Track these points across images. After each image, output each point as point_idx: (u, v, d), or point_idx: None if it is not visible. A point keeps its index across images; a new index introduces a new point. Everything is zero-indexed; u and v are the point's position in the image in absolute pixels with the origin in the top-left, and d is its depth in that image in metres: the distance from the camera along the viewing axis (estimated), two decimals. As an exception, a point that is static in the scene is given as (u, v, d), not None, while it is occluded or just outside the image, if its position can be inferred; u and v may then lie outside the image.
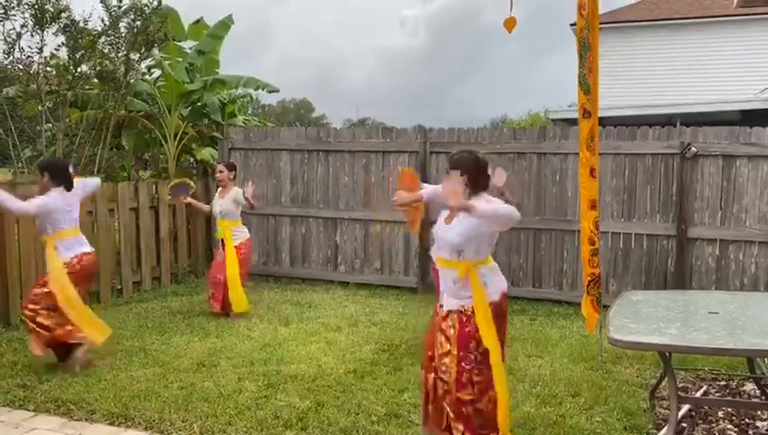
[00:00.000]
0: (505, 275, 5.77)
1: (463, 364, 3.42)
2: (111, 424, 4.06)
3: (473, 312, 3.44)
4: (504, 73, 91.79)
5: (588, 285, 4.42)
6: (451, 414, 3.45)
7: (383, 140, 8.19)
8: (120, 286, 7.57)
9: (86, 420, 4.12)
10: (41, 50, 7.49)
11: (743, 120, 10.43)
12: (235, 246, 6.65)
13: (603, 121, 8.61)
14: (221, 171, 6.77)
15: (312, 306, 7.18)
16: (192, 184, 7.08)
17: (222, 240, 6.76)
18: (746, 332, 3.11)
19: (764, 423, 4.00)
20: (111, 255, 7.41)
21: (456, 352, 3.44)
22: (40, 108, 7.85)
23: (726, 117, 11.59)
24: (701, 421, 4.11)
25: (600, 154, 7.05)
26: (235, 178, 6.88)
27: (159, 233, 8.09)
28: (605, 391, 4.60)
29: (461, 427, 3.42)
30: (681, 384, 4.84)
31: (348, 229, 8.33)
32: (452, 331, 3.49)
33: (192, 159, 10.08)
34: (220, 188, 6.85)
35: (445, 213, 3.62)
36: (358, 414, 4.18)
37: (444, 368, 3.47)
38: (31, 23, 7.40)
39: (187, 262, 8.50)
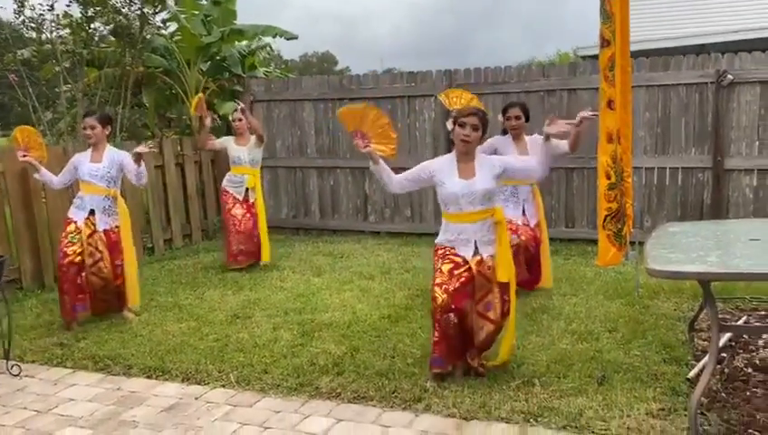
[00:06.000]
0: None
1: (505, 297, 3.80)
2: (149, 377, 4.11)
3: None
4: (530, 16, 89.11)
5: (604, 220, 4.29)
6: (482, 345, 3.84)
7: (408, 84, 8.00)
8: (150, 245, 7.65)
9: (124, 374, 4.17)
10: (52, 7, 7.37)
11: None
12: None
13: (632, 55, 8.27)
14: (240, 119, 6.62)
15: (344, 256, 7.18)
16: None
17: (247, 189, 6.68)
18: (791, 256, 3.00)
19: (809, 351, 3.90)
20: (140, 213, 7.45)
21: (497, 290, 3.78)
22: (57, 68, 7.78)
23: (766, 45, 11.04)
24: (741, 351, 4.03)
25: (632, 87, 6.89)
26: None
27: (187, 190, 8.11)
28: (642, 326, 4.53)
29: (478, 355, 3.86)
30: (720, 316, 4.74)
31: (376, 178, 8.21)
32: (490, 271, 3.78)
33: (216, 115, 9.99)
34: (236, 136, 6.73)
35: (452, 172, 3.77)
36: (393, 357, 4.18)
37: (489, 306, 3.77)
38: (38, -23, 7.27)
39: (216, 218, 8.53)
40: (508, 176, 3.88)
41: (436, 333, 3.71)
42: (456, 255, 3.76)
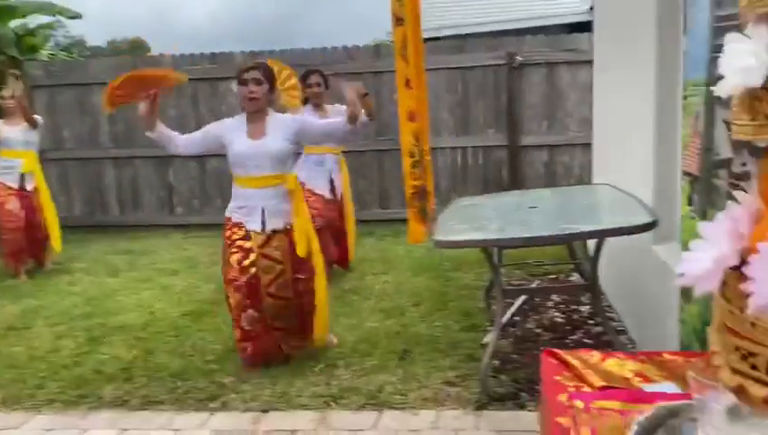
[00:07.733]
0: (353, 199, 5.70)
1: (299, 276, 3.59)
2: None
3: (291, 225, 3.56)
4: (359, 2, 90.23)
5: (410, 198, 4.36)
6: (290, 328, 3.64)
7: (210, 66, 7.60)
8: None
9: None
10: None
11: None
12: None
13: (430, 40, 8.51)
14: (12, 96, 5.83)
15: (145, 253, 6.66)
16: None
17: (23, 176, 5.86)
18: (561, 220, 3.18)
19: (587, 308, 4.24)
20: None
21: (289, 268, 3.55)
22: None
23: (555, 31, 11.97)
24: (532, 313, 4.28)
25: (432, 70, 7.09)
26: None
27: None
28: (445, 297, 4.68)
29: (294, 338, 3.67)
30: (518, 281, 5.03)
31: (181, 168, 7.74)
32: (279, 252, 3.54)
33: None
34: (5, 117, 5.89)
35: (241, 131, 3.50)
36: (192, 356, 3.88)
37: (282, 286, 3.55)
38: None
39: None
40: (307, 135, 3.70)
41: (241, 333, 3.51)
42: (245, 237, 3.51)
